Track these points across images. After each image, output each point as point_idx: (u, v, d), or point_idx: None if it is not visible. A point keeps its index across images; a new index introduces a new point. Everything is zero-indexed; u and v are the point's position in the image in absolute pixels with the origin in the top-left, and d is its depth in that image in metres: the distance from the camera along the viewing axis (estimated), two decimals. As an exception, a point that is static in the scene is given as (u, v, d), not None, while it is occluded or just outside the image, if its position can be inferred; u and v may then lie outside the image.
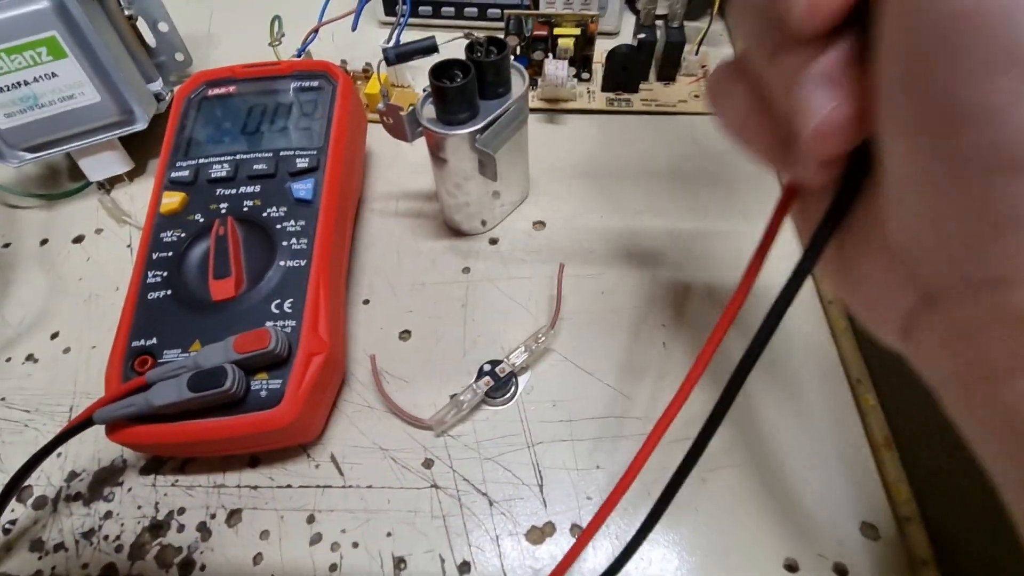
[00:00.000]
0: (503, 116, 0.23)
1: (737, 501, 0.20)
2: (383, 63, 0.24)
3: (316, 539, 0.20)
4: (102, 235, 0.29)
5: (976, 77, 0.08)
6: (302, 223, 0.23)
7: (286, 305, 0.21)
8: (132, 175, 0.31)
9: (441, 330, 0.25)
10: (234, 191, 0.24)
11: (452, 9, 0.37)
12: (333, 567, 0.20)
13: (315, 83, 0.27)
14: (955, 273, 0.10)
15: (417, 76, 0.34)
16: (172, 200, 0.24)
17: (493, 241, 0.28)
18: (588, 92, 0.33)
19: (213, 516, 0.21)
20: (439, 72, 0.22)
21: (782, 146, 0.12)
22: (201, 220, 0.23)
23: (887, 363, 0.22)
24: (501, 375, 0.22)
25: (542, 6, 0.34)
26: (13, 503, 0.21)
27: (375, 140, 0.31)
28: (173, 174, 0.24)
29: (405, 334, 0.25)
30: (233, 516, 0.21)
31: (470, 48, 0.23)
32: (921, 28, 0.09)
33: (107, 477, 0.22)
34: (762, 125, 0.13)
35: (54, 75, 0.26)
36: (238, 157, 0.25)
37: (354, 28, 0.31)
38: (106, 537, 0.20)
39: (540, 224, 0.28)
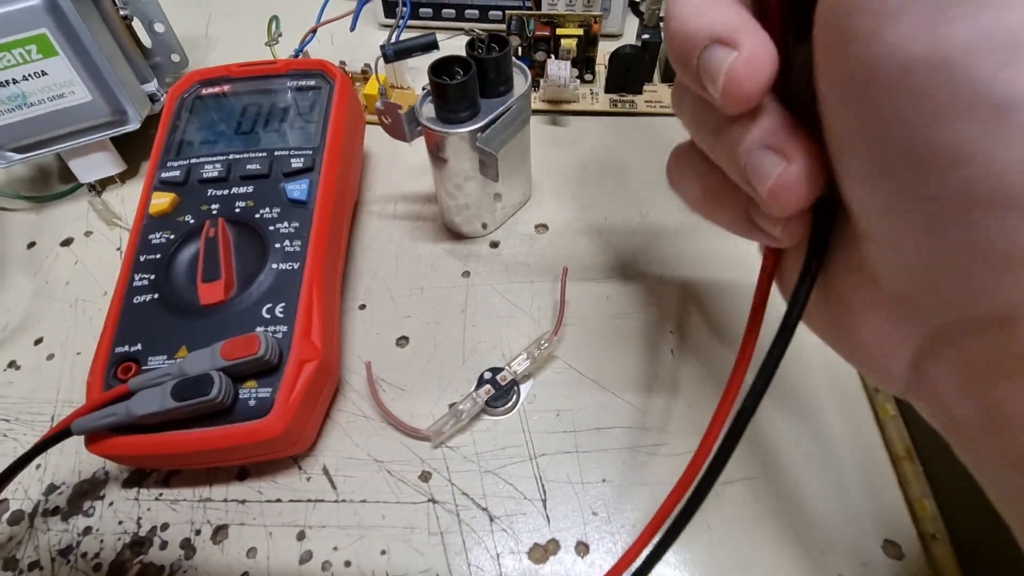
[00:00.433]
0: (505, 115, 0.23)
1: (751, 517, 0.19)
2: (382, 64, 0.23)
3: (306, 557, 0.19)
4: (91, 238, 0.28)
5: (937, 121, 0.08)
6: (296, 225, 0.22)
7: (277, 310, 0.20)
8: (124, 177, 0.30)
9: (440, 336, 0.24)
10: (226, 192, 0.23)
11: (453, 11, 0.36)
12: (324, 587, 0.18)
13: (311, 82, 0.26)
14: (961, 313, 0.10)
15: (417, 78, 0.34)
16: (162, 201, 0.23)
17: (494, 244, 0.27)
18: (591, 93, 0.33)
19: (198, 532, 0.20)
20: (439, 69, 0.22)
21: (745, 216, 0.12)
22: (191, 221, 0.22)
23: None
24: (502, 383, 0.21)
25: (544, 7, 0.34)
26: (-12, 518, 0.20)
27: (373, 142, 0.31)
28: (163, 174, 0.24)
29: (402, 340, 0.24)
30: (219, 532, 0.20)
31: (471, 45, 0.22)
32: (868, 80, 0.09)
33: (88, 490, 0.21)
34: (721, 200, 0.13)
35: (44, 73, 0.25)
36: (231, 157, 0.24)
37: (352, 28, 0.30)
38: (84, 555, 0.19)
39: (543, 227, 0.28)
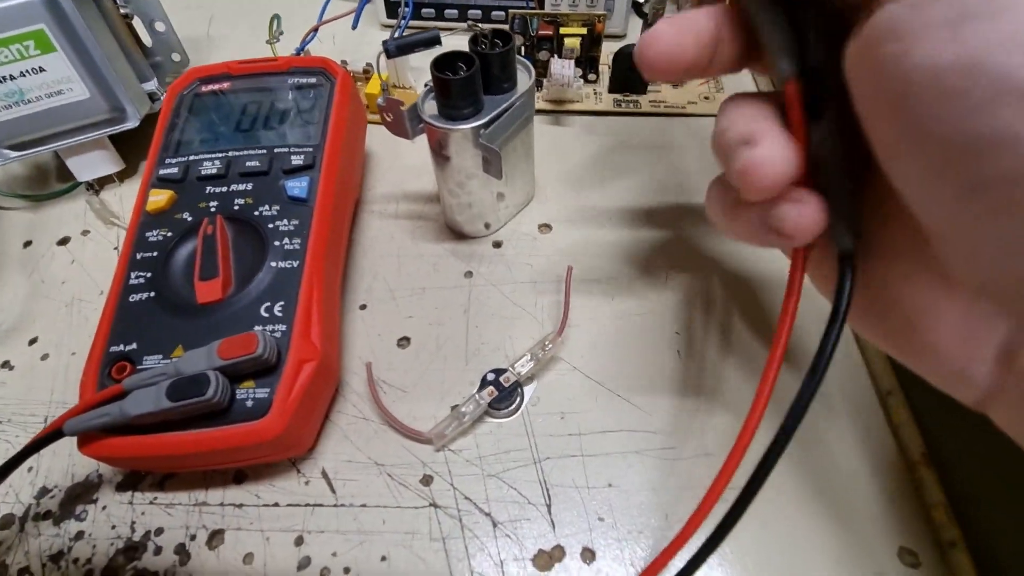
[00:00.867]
0: (509, 111, 0.22)
1: (763, 526, 0.19)
2: (384, 61, 0.23)
3: (304, 563, 0.18)
4: (89, 237, 0.28)
5: (974, 114, 0.09)
6: (296, 222, 0.22)
7: (276, 308, 0.20)
8: (123, 176, 0.30)
9: (442, 337, 0.23)
10: (225, 189, 0.23)
11: (455, 11, 0.36)
12: (322, 594, 0.18)
13: (312, 79, 0.26)
14: None
15: (419, 77, 0.33)
16: (159, 198, 0.22)
17: (497, 244, 0.27)
18: (595, 93, 0.32)
19: (193, 537, 0.19)
20: (442, 65, 0.21)
21: (764, 231, 0.13)
22: (189, 219, 0.22)
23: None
24: (505, 385, 0.21)
25: (547, 6, 0.33)
26: (-23, 522, 0.19)
27: (375, 141, 0.30)
28: (161, 171, 0.23)
29: (404, 341, 0.24)
30: (215, 537, 0.19)
31: (474, 40, 0.22)
32: (904, 93, 0.09)
33: (80, 494, 0.20)
34: (739, 219, 0.14)
35: (42, 70, 0.25)
36: (230, 154, 0.23)
37: (354, 26, 0.30)
38: (76, 560, 0.19)
39: (546, 227, 0.27)
